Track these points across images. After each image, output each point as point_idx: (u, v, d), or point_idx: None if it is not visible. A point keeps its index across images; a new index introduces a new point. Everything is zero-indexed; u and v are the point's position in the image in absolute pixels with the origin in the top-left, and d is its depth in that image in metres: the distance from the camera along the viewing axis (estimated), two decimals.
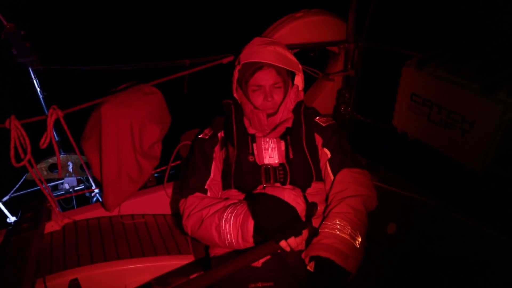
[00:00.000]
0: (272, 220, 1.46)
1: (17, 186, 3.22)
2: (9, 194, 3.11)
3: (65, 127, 2.05)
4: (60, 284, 1.81)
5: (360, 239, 1.55)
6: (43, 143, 1.92)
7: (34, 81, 3.15)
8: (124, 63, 2.74)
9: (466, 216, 1.78)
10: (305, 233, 1.46)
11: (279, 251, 1.44)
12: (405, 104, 1.97)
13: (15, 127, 1.86)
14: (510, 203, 2.32)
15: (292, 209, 1.52)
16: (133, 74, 2.58)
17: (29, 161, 1.95)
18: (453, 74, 1.75)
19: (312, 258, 1.51)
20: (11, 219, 2.61)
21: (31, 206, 2.09)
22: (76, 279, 1.83)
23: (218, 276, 1.33)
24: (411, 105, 1.95)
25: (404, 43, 2.13)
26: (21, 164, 1.93)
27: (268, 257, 1.59)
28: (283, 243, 1.42)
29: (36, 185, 3.45)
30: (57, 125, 1.99)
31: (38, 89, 3.19)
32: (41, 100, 3.22)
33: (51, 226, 2.17)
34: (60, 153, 3.34)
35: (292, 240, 1.42)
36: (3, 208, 2.57)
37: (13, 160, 1.89)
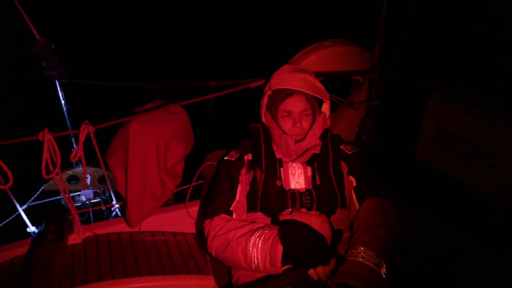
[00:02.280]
0: (301, 247, 1.47)
1: (36, 195, 3.26)
2: (27, 203, 3.14)
3: (94, 142, 2.10)
4: None
5: (385, 269, 1.56)
6: (74, 157, 1.97)
7: (60, 94, 3.23)
8: (150, 81, 2.81)
9: (490, 250, 1.79)
10: (333, 262, 1.47)
11: (306, 279, 1.45)
12: (429, 136, 2.00)
13: (48, 140, 1.91)
14: None
15: (321, 238, 1.54)
16: (159, 93, 2.65)
17: (57, 174, 1.99)
18: (480, 110, 1.78)
19: (339, 286, 1.52)
20: (31, 228, 2.64)
21: (55, 218, 2.12)
22: None
23: None
24: (435, 137, 1.98)
25: (426, 74, 2.18)
26: (50, 176, 1.97)
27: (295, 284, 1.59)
28: (311, 272, 1.44)
29: (53, 196, 3.52)
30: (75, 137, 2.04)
31: (63, 102, 3.26)
32: (65, 112, 3.29)
33: (73, 239, 2.20)
34: (79, 166, 3.39)
35: (320, 269, 1.44)
36: (24, 217, 2.60)
37: (43, 172, 1.94)
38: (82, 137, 1.97)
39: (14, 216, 2.76)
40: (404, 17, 2.07)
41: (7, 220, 2.89)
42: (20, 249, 2.17)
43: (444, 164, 1.97)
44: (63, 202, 3.56)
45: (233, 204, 1.81)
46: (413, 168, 2.16)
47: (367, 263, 1.53)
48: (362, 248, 1.58)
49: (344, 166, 1.87)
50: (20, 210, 2.54)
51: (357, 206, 1.79)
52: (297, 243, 1.48)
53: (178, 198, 2.50)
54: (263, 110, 1.92)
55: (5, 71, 7.95)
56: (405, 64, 2.39)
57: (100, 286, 1.90)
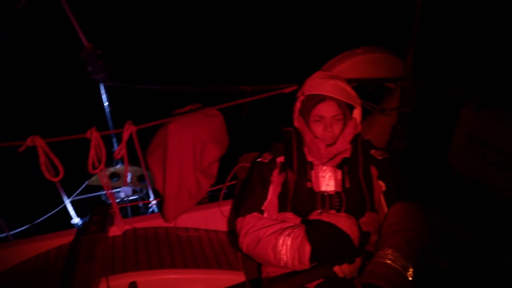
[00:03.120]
0: (328, 245, 1.53)
1: (80, 189, 3.47)
2: (72, 196, 3.35)
3: (136, 141, 2.23)
4: (121, 285, 1.96)
5: (411, 272, 1.59)
6: (118, 154, 2.12)
7: (103, 96, 3.43)
8: (188, 85, 2.94)
9: None
10: (358, 261, 1.52)
11: (332, 275, 1.51)
12: (461, 143, 2.01)
13: (95, 138, 2.06)
14: None
15: (347, 237, 1.58)
16: (197, 96, 2.77)
17: (101, 170, 2.15)
18: None
19: (364, 286, 1.56)
20: (75, 220, 2.82)
21: (99, 210, 2.27)
22: (134, 282, 1.97)
23: None
24: (467, 145, 1.98)
25: (459, 81, 2.18)
26: (95, 171, 2.12)
27: (321, 280, 1.65)
28: (336, 268, 1.50)
29: (95, 191, 3.72)
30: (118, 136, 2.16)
31: (106, 103, 3.46)
32: (108, 113, 3.49)
33: (114, 231, 2.35)
34: (119, 164, 3.58)
35: (345, 267, 1.49)
36: (70, 209, 2.79)
37: (90, 168, 2.09)
38: (125, 136, 2.11)
39: (61, 207, 2.96)
40: (437, 24, 2.10)
41: (55, 210, 3.09)
42: (67, 237, 2.36)
43: (476, 171, 1.97)
44: (103, 198, 3.76)
45: (265, 204, 1.89)
46: (445, 175, 2.17)
47: (394, 265, 1.56)
48: (389, 251, 1.61)
49: (374, 171, 1.91)
50: (67, 202, 2.72)
51: (386, 209, 1.82)
52: (323, 241, 1.54)
53: (212, 197, 2.60)
54: (296, 114, 1.98)
55: (54, 74, 8.45)
56: (438, 71, 2.40)
57: (138, 275, 2.02)
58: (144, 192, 3.82)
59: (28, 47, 9.93)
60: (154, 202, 3.06)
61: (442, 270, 1.95)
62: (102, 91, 3.43)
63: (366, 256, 1.59)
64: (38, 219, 2.99)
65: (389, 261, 1.57)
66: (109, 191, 2.33)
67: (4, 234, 2.45)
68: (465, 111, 1.97)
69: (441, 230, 2.02)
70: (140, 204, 3.64)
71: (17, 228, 2.67)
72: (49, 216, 3.11)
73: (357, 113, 1.98)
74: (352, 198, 1.83)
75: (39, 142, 1.98)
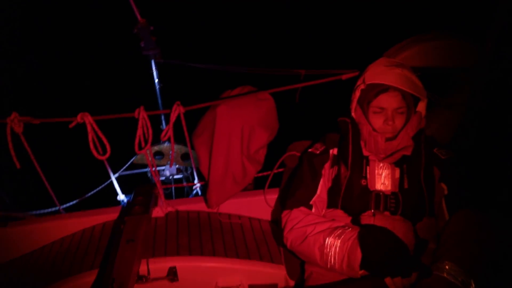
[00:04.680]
0: (381, 254, 1.40)
1: (126, 166, 3.52)
2: (118, 172, 3.41)
3: (183, 122, 2.18)
4: (161, 268, 1.94)
5: None
6: (164, 135, 2.07)
7: (154, 73, 3.41)
8: (240, 65, 2.85)
9: None
10: (414, 275, 1.38)
11: None
12: None
13: (142, 118, 2.02)
14: None
15: (404, 246, 1.44)
16: (248, 77, 2.67)
17: (147, 150, 2.12)
18: None
19: None
20: (121, 197, 2.86)
21: (142, 191, 2.26)
22: (174, 267, 1.95)
23: None
24: None
25: None
26: (142, 152, 2.10)
27: None
28: (388, 281, 1.37)
29: (141, 168, 3.77)
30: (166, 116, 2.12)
31: (156, 80, 3.45)
32: (157, 90, 3.48)
33: (156, 212, 2.34)
34: (165, 142, 3.58)
35: (398, 280, 1.36)
36: (116, 185, 2.83)
37: (136, 148, 2.06)
38: (173, 117, 2.06)
39: (107, 183, 3.01)
40: None
41: (101, 186, 3.17)
42: (112, 215, 2.39)
43: None
44: (149, 175, 3.80)
45: (314, 198, 1.79)
46: None
47: (453, 280, 1.41)
48: (449, 263, 1.45)
49: (437, 172, 1.74)
50: (113, 177, 2.76)
51: (447, 216, 1.65)
52: (377, 249, 1.41)
53: (257, 184, 2.52)
54: (354, 104, 1.83)
55: (107, 49, 8.67)
56: None
57: (178, 260, 1.99)
58: (189, 171, 3.81)
59: (83, 21, 10.25)
60: (198, 184, 3.03)
61: None
62: (153, 67, 3.41)
63: (422, 270, 1.44)
64: (87, 194, 3.06)
65: (447, 275, 1.42)
66: (154, 171, 2.30)
67: (56, 208, 2.53)
68: None
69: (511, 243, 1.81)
70: (186, 185, 3.65)
71: (68, 203, 2.75)
72: (96, 192, 3.18)
73: (422, 107, 1.80)
74: (410, 200, 1.67)
75: (88, 119, 1.97)
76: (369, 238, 1.45)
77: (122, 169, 3.46)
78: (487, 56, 2.05)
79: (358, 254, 1.44)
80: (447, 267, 1.45)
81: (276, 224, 2.28)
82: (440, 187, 1.71)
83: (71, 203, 2.78)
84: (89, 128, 1.99)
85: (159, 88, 3.49)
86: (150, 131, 2.06)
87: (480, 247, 1.52)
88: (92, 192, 3.12)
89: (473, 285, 1.42)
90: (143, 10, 3.12)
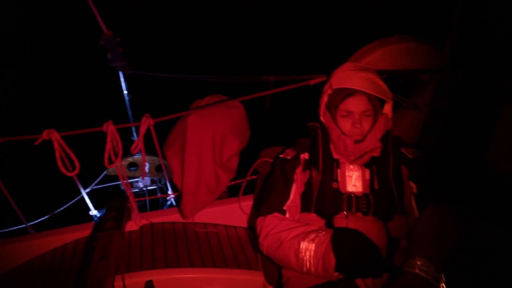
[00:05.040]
0: (352, 257, 1.43)
1: (98, 180, 3.45)
2: (89, 188, 3.33)
3: (154, 134, 2.15)
4: (137, 283, 1.91)
5: (444, 284, 1.47)
6: (135, 149, 2.04)
7: (122, 85, 3.37)
8: (209, 74, 2.84)
9: None
10: (385, 276, 1.42)
11: None
12: (504, 143, 1.84)
13: (111, 132, 1.99)
14: None
15: (375, 248, 1.47)
16: (217, 86, 2.67)
17: (118, 164, 2.08)
18: None
19: None
20: (93, 212, 2.80)
21: (115, 205, 2.21)
22: (151, 281, 1.91)
23: None
24: (510, 145, 1.82)
25: (503, 74, 1.99)
26: (112, 166, 2.06)
27: None
28: (359, 281, 1.40)
29: (114, 180, 3.69)
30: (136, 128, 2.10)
31: (125, 92, 3.40)
32: (127, 102, 3.43)
33: (130, 226, 2.30)
34: (138, 153, 3.52)
35: (369, 281, 1.39)
36: (87, 200, 2.76)
37: (106, 162, 2.02)
38: (142, 129, 2.04)
39: (77, 198, 2.94)
40: (481, 8, 1.90)
41: (71, 202, 3.08)
42: (84, 232, 2.32)
43: None
44: (122, 188, 3.73)
45: (287, 203, 1.79)
46: (483, 177, 2.01)
47: (424, 275, 1.44)
48: (420, 260, 1.49)
49: (405, 171, 1.78)
50: (84, 193, 2.69)
51: (417, 214, 1.69)
52: (349, 252, 1.43)
53: (232, 192, 2.52)
54: (322, 108, 1.86)
55: (73, 62, 8.47)
56: (480, 63, 2.20)
57: (154, 273, 1.96)
58: (163, 182, 3.77)
59: (46, 34, 9.98)
60: (172, 195, 3.00)
61: (478, 283, 1.82)
62: (122, 79, 3.36)
63: (393, 271, 1.47)
64: (56, 210, 2.98)
65: (419, 271, 1.46)
66: (126, 184, 2.26)
67: (23, 226, 2.45)
68: (509, 107, 1.80)
69: (478, 238, 1.88)
70: (159, 196, 3.60)
71: (35, 220, 2.67)
72: (68, 208, 3.10)
73: (388, 108, 1.85)
74: (381, 200, 1.71)
75: (55, 136, 1.92)
76: (341, 241, 1.47)
77: (93, 184, 3.38)
78: (447, 58, 2.12)
79: (332, 258, 1.46)
80: (418, 263, 1.48)
81: (253, 230, 2.28)
82: (409, 185, 1.75)
83: (38, 220, 2.70)
84: (56, 145, 1.94)
85: (128, 99, 3.44)
86: (120, 144, 2.03)
87: (449, 242, 1.57)
88: (61, 209, 3.03)
89: (444, 279, 1.46)
90: (109, 22, 3.08)
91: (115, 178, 3.65)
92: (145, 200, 3.59)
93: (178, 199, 2.44)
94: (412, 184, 1.75)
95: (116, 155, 2.04)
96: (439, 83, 2.21)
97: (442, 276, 1.46)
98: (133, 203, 2.27)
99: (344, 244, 1.46)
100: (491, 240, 1.88)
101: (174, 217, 2.40)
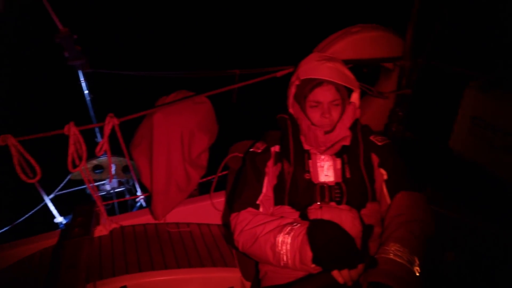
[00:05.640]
0: (329, 249, 1.43)
1: (62, 185, 3.31)
2: (52, 193, 3.19)
3: (119, 134, 2.07)
4: None
5: (418, 266, 1.50)
6: (100, 150, 1.96)
7: (83, 84, 3.24)
8: (173, 70, 2.77)
9: None
10: (360, 266, 1.43)
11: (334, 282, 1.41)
12: (465, 127, 1.90)
13: (73, 134, 1.89)
14: None
15: (350, 239, 1.48)
16: (182, 82, 2.61)
17: (83, 168, 1.99)
18: None
19: (370, 285, 1.47)
20: (58, 219, 2.68)
21: (82, 210, 2.13)
22: (125, 286, 1.85)
23: None
24: (472, 128, 1.88)
25: (464, 60, 2.06)
26: (76, 170, 1.97)
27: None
28: (335, 273, 1.40)
29: (79, 184, 3.56)
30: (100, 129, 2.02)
31: (86, 92, 3.27)
32: (88, 102, 3.30)
33: (100, 231, 2.21)
34: (103, 155, 3.40)
35: (345, 272, 1.39)
36: (51, 207, 2.64)
37: (69, 166, 1.93)
38: (107, 130, 1.95)
39: (40, 206, 2.81)
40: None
41: (33, 211, 2.94)
42: (50, 241, 2.21)
43: (481, 156, 1.87)
44: (88, 192, 3.60)
45: (260, 198, 1.77)
46: (447, 160, 2.07)
47: (399, 260, 1.47)
48: (394, 245, 1.52)
49: (375, 158, 1.81)
50: (47, 200, 2.57)
51: (389, 200, 1.72)
52: (323, 244, 1.43)
53: (203, 189, 2.48)
54: (291, 100, 1.85)
55: (28, 62, 8.07)
56: (441, 50, 2.26)
57: (128, 278, 1.90)
58: (131, 183, 3.67)
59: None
60: (142, 197, 2.93)
61: (449, 262, 1.88)
62: (81, 78, 3.23)
63: (368, 260, 1.49)
64: (18, 220, 2.83)
65: (394, 257, 1.48)
66: (92, 188, 2.18)
67: None
68: (469, 91, 1.85)
69: (446, 219, 1.94)
70: (128, 198, 3.51)
71: None
72: (29, 216, 2.95)
73: (355, 97, 1.86)
74: (353, 189, 1.72)
75: (11, 141, 1.81)
76: (316, 234, 1.47)
77: (56, 190, 3.24)
78: (410, 45, 2.17)
79: (309, 251, 1.45)
80: (392, 248, 1.51)
81: (227, 227, 2.25)
82: (380, 172, 1.78)
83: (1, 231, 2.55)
84: (13, 151, 1.83)
85: (90, 99, 3.32)
86: (84, 147, 1.94)
87: (421, 225, 1.60)
88: (23, 218, 2.88)
89: (417, 262, 1.49)
90: (65, 19, 2.94)
91: (81, 182, 3.52)
92: (113, 203, 3.49)
93: (148, 199, 2.38)
94: (383, 171, 1.77)
95: (80, 158, 1.95)
96: (402, 70, 2.25)
97: (416, 259, 1.49)
98: (101, 207, 2.18)
99: (319, 236, 1.45)
100: (456, 220, 1.94)
101: (145, 218, 2.33)
